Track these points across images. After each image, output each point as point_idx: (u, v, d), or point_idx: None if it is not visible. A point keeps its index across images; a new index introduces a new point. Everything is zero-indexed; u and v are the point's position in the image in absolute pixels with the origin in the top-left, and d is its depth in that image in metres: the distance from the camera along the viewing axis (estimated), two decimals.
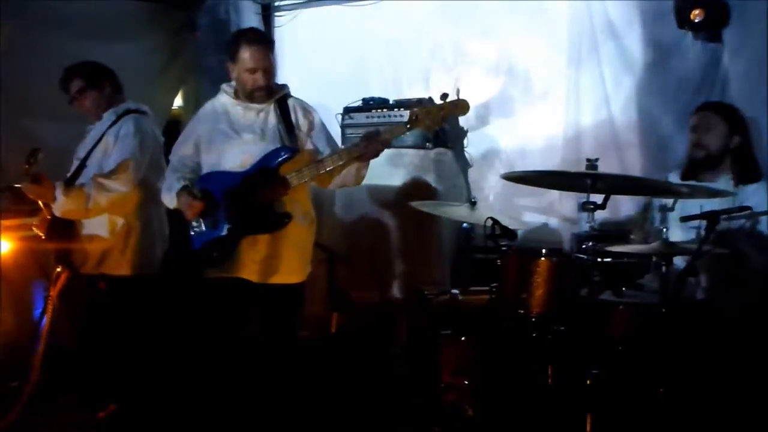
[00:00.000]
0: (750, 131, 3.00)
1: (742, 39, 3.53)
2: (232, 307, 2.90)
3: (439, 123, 2.78)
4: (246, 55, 2.85)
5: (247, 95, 2.94)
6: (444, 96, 2.71)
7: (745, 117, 3.02)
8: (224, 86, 3.03)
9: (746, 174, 2.92)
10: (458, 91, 2.71)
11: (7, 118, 3.87)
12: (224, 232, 2.80)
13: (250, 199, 2.77)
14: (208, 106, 3.05)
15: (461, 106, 2.71)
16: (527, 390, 2.64)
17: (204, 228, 2.84)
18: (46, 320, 3.29)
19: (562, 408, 2.54)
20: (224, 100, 2.99)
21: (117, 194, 3.15)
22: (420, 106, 2.76)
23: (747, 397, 2.44)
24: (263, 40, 2.95)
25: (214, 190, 2.82)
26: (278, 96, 2.97)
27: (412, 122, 2.73)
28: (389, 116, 4.13)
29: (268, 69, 2.89)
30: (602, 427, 2.46)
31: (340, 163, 2.79)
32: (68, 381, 3.42)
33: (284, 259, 2.88)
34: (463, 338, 2.82)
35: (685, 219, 2.70)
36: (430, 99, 2.73)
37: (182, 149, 3.02)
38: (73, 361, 3.40)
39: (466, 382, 2.72)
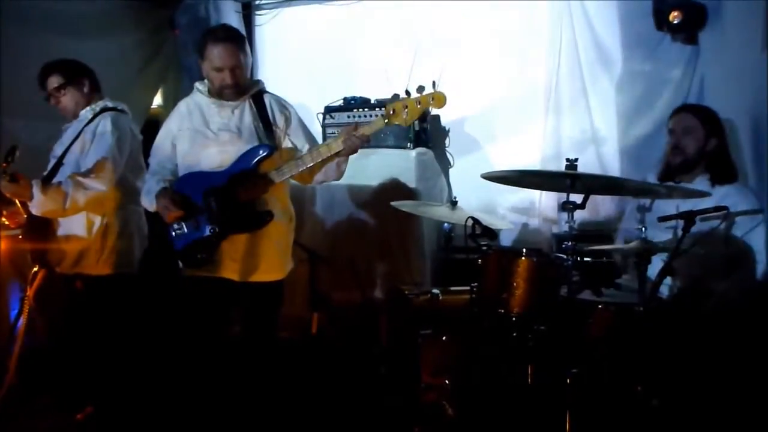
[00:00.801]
0: (726, 133, 3.04)
1: (718, 41, 3.58)
2: (214, 307, 2.88)
3: (417, 116, 2.73)
4: (212, 53, 2.82)
5: (216, 93, 2.92)
6: (420, 89, 2.68)
7: (721, 119, 3.06)
8: (198, 84, 3.00)
9: (722, 175, 2.95)
10: (434, 84, 2.67)
11: None
12: (207, 233, 2.79)
13: (231, 198, 2.76)
14: (183, 105, 3.02)
15: (437, 99, 2.66)
16: (507, 389, 2.64)
17: (186, 230, 2.83)
18: (22, 321, 3.25)
19: (542, 407, 2.55)
20: (198, 98, 2.97)
21: (95, 193, 3.11)
22: (397, 100, 2.72)
23: (724, 394, 2.47)
24: (230, 37, 2.88)
25: (194, 192, 2.80)
26: (252, 92, 2.94)
27: (390, 116, 2.70)
28: (371, 115, 4.13)
29: (236, 67, 2.83)
30: (581, 426, 2.47)
31: (320, 159, 2.77)
32: (45, 382, 3.38)
33: (264, 257, 2.87)
34: (443, 338, 2.82)
35: (662, 219, 2.72)
36: (407, 92, 2.70)
37: (160, 151, 2.99)
38: (49, 361, 3.35)
39: (447, 382, 2.73)
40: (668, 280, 2.74)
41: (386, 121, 2.72)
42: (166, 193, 2.79)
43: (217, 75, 2.85)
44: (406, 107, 2.68)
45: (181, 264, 2.91)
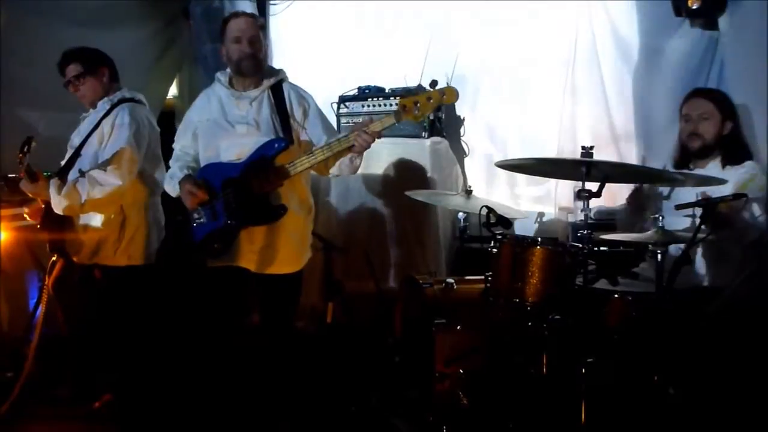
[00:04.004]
0: (739, 116, 3.00)
1: (738, 26, 3.51)
2: (232, 296, 2.92)
3: (428, 112, 2.70)
4: (232, 26, 2.92)
5: (236, 70, 2.94)
6: (433, 83, 2.67)
7: (733, 102, 3.02)
8: (218, 75, 3.03)
9: (735, 156, 2.91)
10: (448, 79, 2.67)
11: (1, 106, 3.85)
12: (222, 224, 2.83)
13: (247, 191, 2.79)
14: (203, 96, 3.05)
15: (449, 94, 2.63)
16: (522, 379, 2.64)
17: (204, 219, 2.87)
18: (40, 310, 3.29)
19: (557, 396, 2.54)
20: (218, 90, 2.99)
21: (112, 188, 3.12)
22: (409, 95, 2.70)
23: (741, 384, 2.44)
24: (249, 14, 3.00)
25: (213, 182, 2.85)
26: (272, 82, 2.96)
27: (401, 113, 2.67)
28: (385, 105, 4.11)
29: (254, 38, 2.90)
30: (596, 415, 2.46)
31: (330, 154, 2.77)
32: (63, 371, 3.41)
33: (280, 250, 2.89)
34: (458, 327, 2.82)
35: (679, 207, 2.69)
36: (420, 86, 2.67)
37: (182, 139, 3.06)
38: (67, 351, 3.39)
39: (461, 371, 2.72)
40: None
41: (397, 118, 2.68)
42: (189, 179, 2.86)
43: (235, 47, 2.90)
44: (417, 103, 2.64)
45: (201, 255, 2.94)
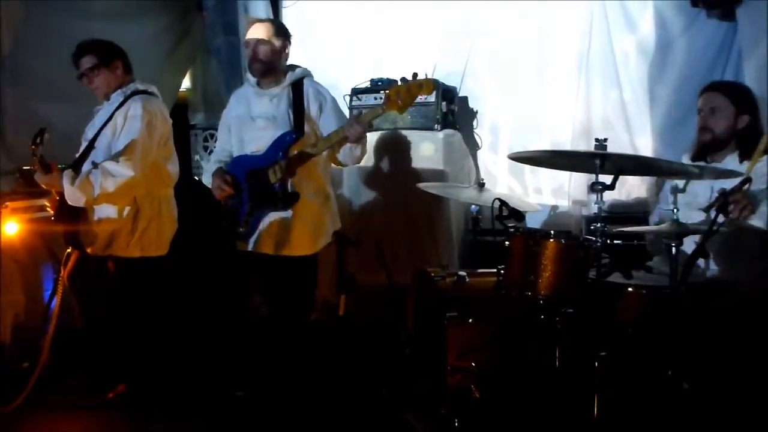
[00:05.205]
0: (759, 109, 2.94)
1: (756, 16, 3.46)
2: (251, 279, 3.18)
3: (410, 102, 2.85)
4: (246, 32, 3.17)
5: (249, 69, 3.18)
6: (414, 75, 2.83)
7: (753, 95, 2.96)
8: (248, 75, 3.27)
9: (752, 151, 2.86)
10: (427, 72, 2.84)
11: (15, 99, 3.88)
12: (246, 211, 3.08)
13: (265, 180, 3.02)
14: (235, 95, 3.32)
15: (425, 86, 2.80)
16: (534, 372, 2.63)
17: (235, 207, 3.13)
18: (56, 301, 3.32)
19: (570, 390, 2.52)
20: (247, 88, 3.23)
21: (124, 179, 3.14)
22: (393, 86, 2.87)
23: (756, 379, 2.42)
24: (260, 19, 3.26)
25: (238, 173, 3.11)
26: (292, 80, 3.13)
27: (386, 103, 2.85)
28: None
29: (259, 42, 3.08)
30: (609, 410, 2.44)
31: (330, 145, 2.99)
32: (78, 362, 3.45)
33: (295, 234, 3.08)
34: (470, 320, 2.81)
35: (706, 210, 2.65)
36: (403, 78, 2.89)
37: (220, 136, 3.36)
38: (82, 342, 3.42)
39: (473, 365, 2.71)
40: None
41: (384, 108, 2.88)
42: (219, 174, 3.13)
43: (246, 51, 3.16)
44: (399, 94, 2.81)
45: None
